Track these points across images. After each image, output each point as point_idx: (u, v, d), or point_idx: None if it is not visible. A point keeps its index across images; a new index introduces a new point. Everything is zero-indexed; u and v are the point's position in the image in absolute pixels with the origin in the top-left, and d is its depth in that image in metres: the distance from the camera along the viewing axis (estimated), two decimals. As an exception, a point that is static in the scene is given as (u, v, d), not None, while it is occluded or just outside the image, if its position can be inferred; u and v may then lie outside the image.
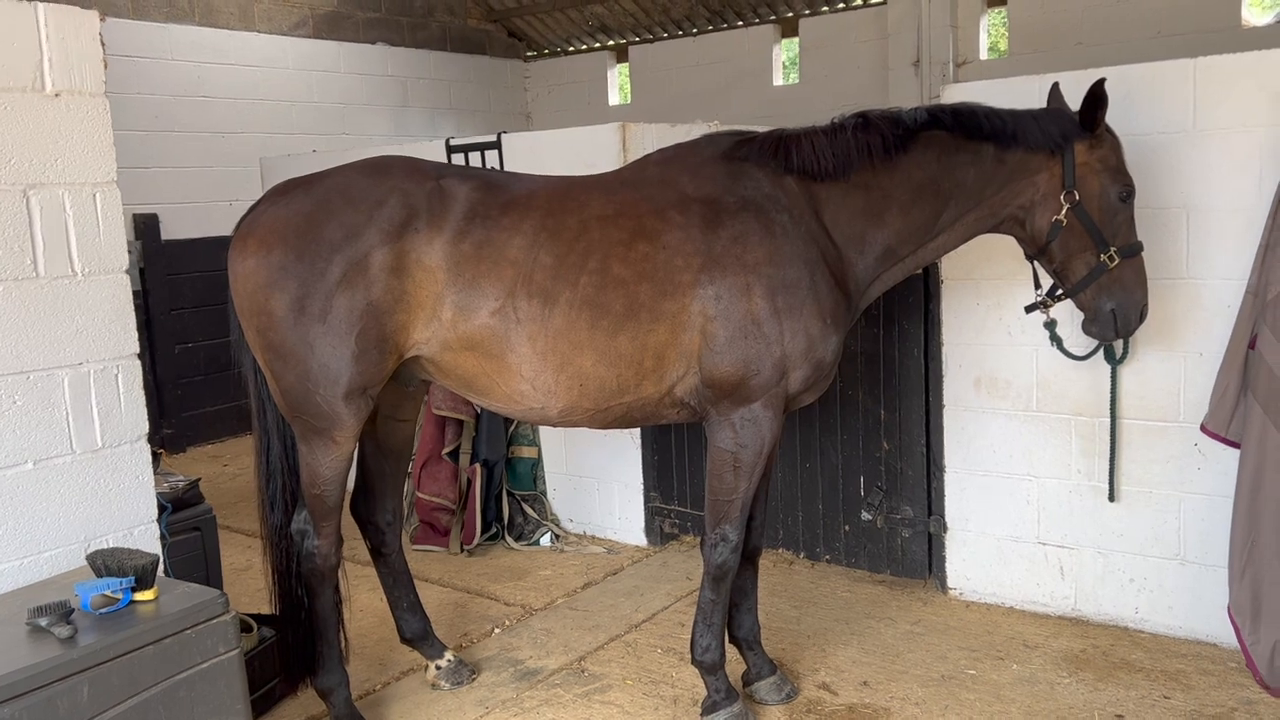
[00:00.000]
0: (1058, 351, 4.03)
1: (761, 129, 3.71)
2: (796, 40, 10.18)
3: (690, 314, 3.37)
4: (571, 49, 11.68)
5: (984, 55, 9.18)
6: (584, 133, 5.67)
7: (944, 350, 4.68)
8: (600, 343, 3.36)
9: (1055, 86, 3.70)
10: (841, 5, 9.92)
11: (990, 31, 9.27)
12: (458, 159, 6.09)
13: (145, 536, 3.50)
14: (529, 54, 11.78)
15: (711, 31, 10.70)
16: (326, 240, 3.34)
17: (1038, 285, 3.74)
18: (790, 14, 10.18)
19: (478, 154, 5.99)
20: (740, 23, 10.52)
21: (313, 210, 3.41)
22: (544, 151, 5.72)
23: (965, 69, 9.00)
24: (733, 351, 3.37)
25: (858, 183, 3.51)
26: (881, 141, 3.46)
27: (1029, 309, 3.79)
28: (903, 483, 4.88)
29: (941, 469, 4.76)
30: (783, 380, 3.43)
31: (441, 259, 3.37)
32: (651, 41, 11.12)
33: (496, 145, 5.93)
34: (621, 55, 11.32)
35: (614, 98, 11.42)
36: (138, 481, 3.48)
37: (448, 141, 6.15)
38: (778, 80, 10.41)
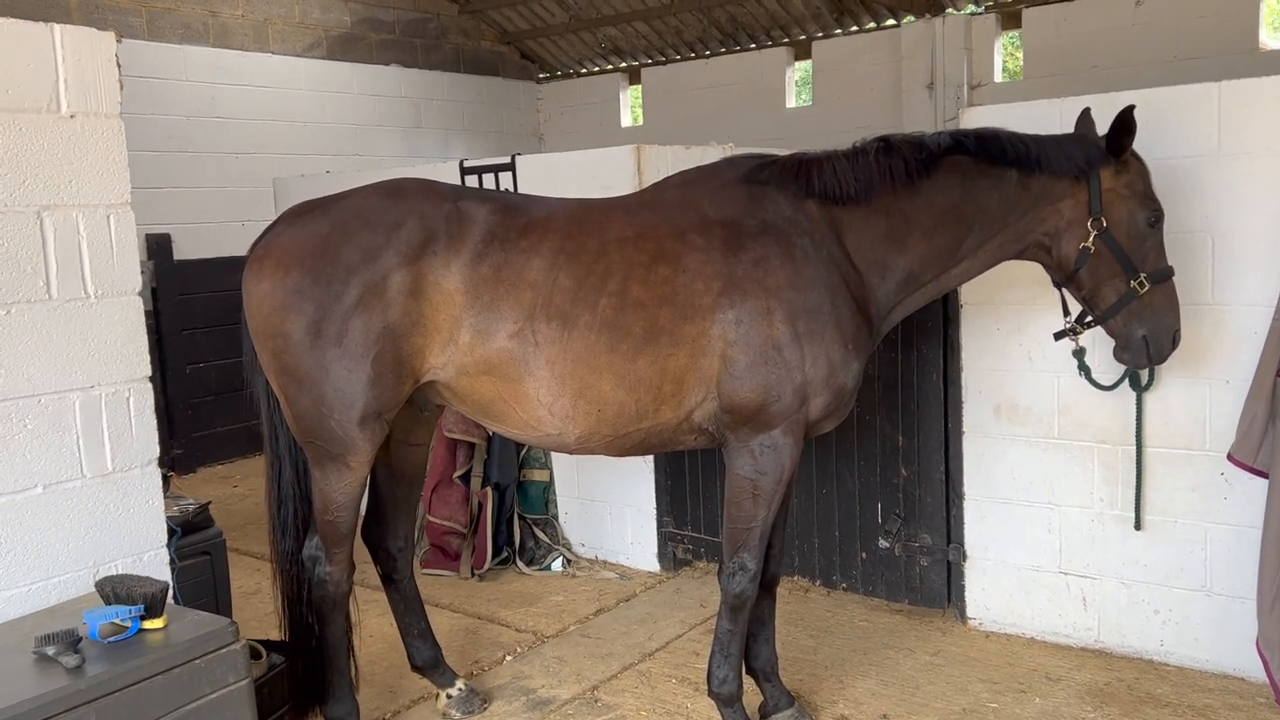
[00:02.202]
0: (1084, 380, 3.96)
1: (781, 152, 3.67)
2: (809, 62, 10.16)
3: (710, 338, 3.32)
4: (584, 71, 11.69)
5: (998, 78, 9.15)
6: (599, 155, 5.64)
7: (963, 376, 4.62)
8: (619, 367, 3.31)
9: (1086, 112, 3.65)
10: (854, 28, 9.91)
11: (1004, 54, 9.25)
12: (471, 181, 6.06)
13: (155, 562, 3.45)
14: (542, 76, 11.79)
15: (724, 53, 10.70)
16: (343, 263, 3.31)
17: (1066, 312, 3.69)
18: (803, 36, 10.17)
19: (491, 176, 5.97)
20: (753, 45, 10.51)
21: (329, 232, 3.37)
22: (558, 173, 5.69)
23: (979, 92, 8.97)
24: (753, 377, 3.32)
25: (880, 207, 3.47)
26: (904, 165, 3.42)
27: (1058, 336, 3.73)
28: (921, 510, 4.81)
29: (961, 496, 4.68)
30: (803, 406, 3.38)
31: (459, 282, 3.33)
32: (664, 63, 11.13)
33: (511, 167, 5.90)
34: (634, 77, 11.32)
35: (626, 119, 11.42)
36: (148, 506, 3.43)
37: (461, 163, 6.13)
38: (790, 102, 10.39)
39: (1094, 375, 4.00)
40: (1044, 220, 3.47)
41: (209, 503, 4.46)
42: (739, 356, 3.32)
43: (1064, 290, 3.65)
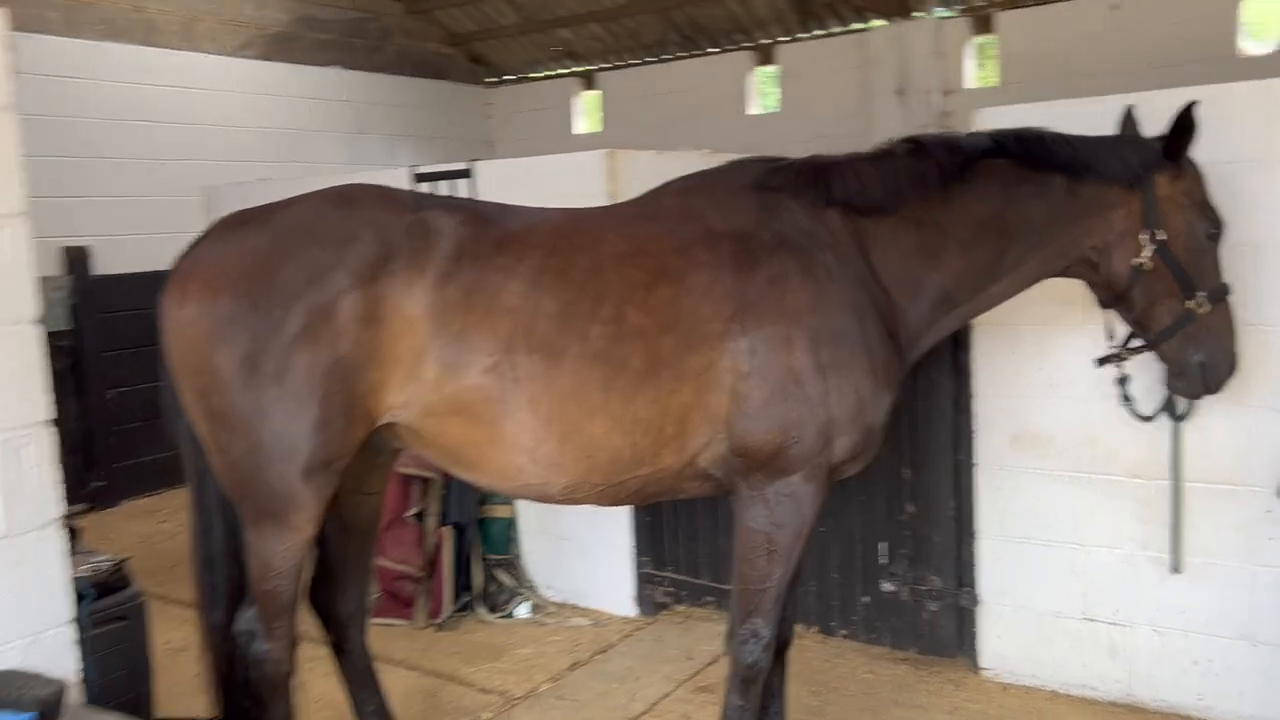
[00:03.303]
0: (1126, 411, 3.55)
1: (792, 155, 3.22)
2: (773, 67, 9.79)
3: (719, 370, 2.85)
4: (536, 75, 11.21)
5: (971, 84, 8.85)
6: (568, 160, 5.15)
7: (976, 403, 4.22)
8: (614, 406, 2.83)
9: (1129, 111, 3.26)
10: (820, 31, 9.56)
11: (978, 59, 8.95)
12: (424, 189, 5.53)
13: (58, 643, 2.89)
14: (491, 80, 11.28)
15: (684, 58, 10.30)
16: (285, 284, 2.78)
17: (1110, 336, 3.27)
18: (766, 40, 9.80)
19: (447, 184, 5.44)
20: (714, 49, 10.13)
21: (268, 248, 2.85)
22: (522, 181, 5.20)
23: (952, 98, 8.66)
24: (769, 415, 2.85)
25: (910, 218, 3.03)
26: (937, 170, 2.98)
27: (1101, 362, 3.32)
28: (929, 550, 4.39)
29: (973, 535, 4.28)
30: (827, 448, 2.92)
31: (423, 306, 2.82)
32: (620, 67, 10.70)
33: (469, 174, 5.38)
34: (589, 82, 10.88)
35: (581, 126, 10.95)
36: (49, 575, 2.87)
37: (413, 170, 5.60)
38: (754, 109, 10.02)
39: (1137, 406, 3.59)
40: (1092, 232, 3.06)
41: (126, 559, 3.87)
42: (753, 391, 2.85)
43: (1109, 311, 3.23)
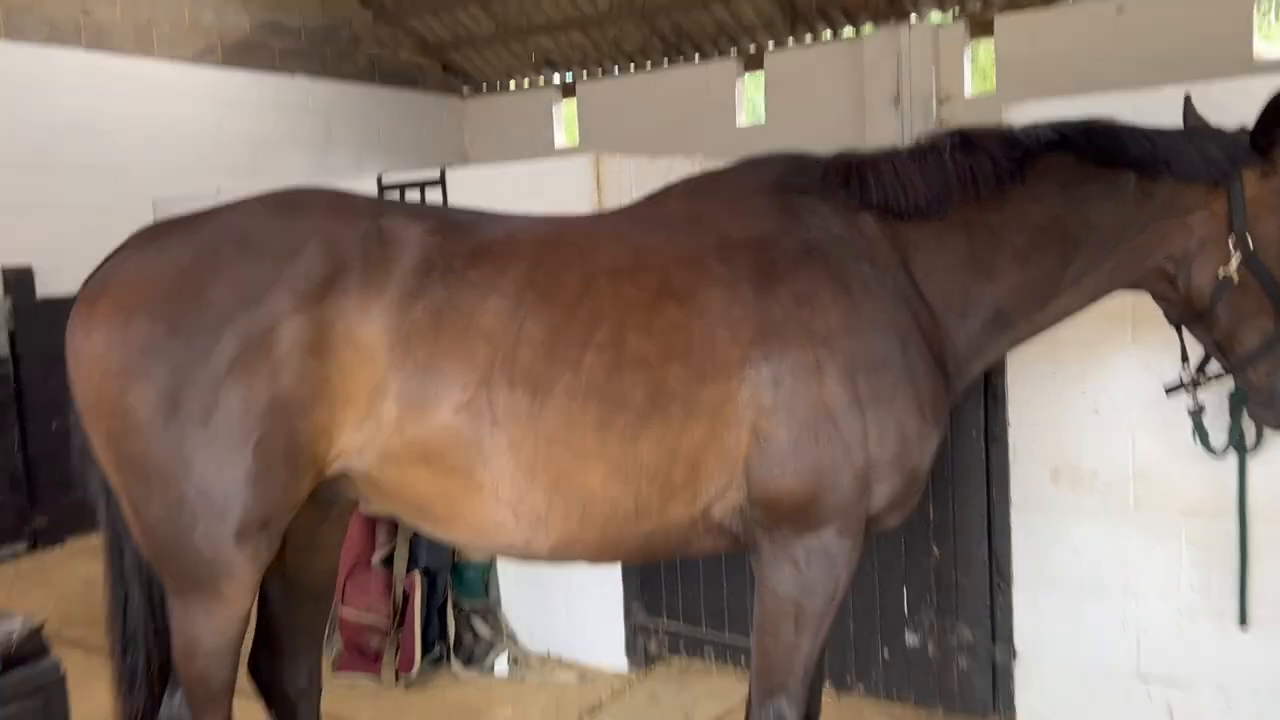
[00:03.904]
0: (1201, 448, 3.10)
1: (820, 150, 2.76)
2: (762, 75, 9.39)
3: (738, 405, 2.39)
4: (514, 85, 10.76)
5: (969, 91, 8.47)
6: (548, 167, 4.70)
7: (1011, 433, 3.78)
8: (613, 449, 2.36)
9: (1188, 100, 2.82)
10: (809, 39, 9.16)
11: (975, 65, 8.58)
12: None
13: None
14: (467, 90, 10.82)
15: (668, 66, 9.89)
16: (213, 306, 2.31)
17: (1185, 359, 2.83)
18: (754, 47, 9.39)
19: (416, 193, 4.96)
20: (699, 57, 9.72)
21: (194, 262, 2.37)
22: (498, 190, 4.74)
23: (948, 106, 8.28)
24: (798, 458, 2.39)
25: (958, 223, 2.59)
26: (990, 167, 2.54)
27: (1172, 390, 2.87)
28: (959, 598, 3.94)
29: (1008, 581, 3.83)
30: (865, 496, 2.46)
31: (382, 332, 2.35)
32: (601, 77, 10.26)
33: (440, 183, 4.91)
34: (568, 92, 10.44)
35: (560, 138, 10.51)
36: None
37: (379, 178, 5.12)
38: (742, 119, 9.61)
39: (1211, 440, 3.14)
40: (1169, 238, 2.62)
41: (42, 624, 3.35)
42: (778, 430, 2.39)
43: (1185, 331, 2.79)
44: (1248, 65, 7.39)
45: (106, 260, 2.52)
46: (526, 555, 2.52)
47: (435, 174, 4.95)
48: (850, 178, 2.58)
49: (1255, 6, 7.48)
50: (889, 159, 2.61)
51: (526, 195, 4.57)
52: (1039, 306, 2.68)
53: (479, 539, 2.48)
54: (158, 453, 2.31)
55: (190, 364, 2.29)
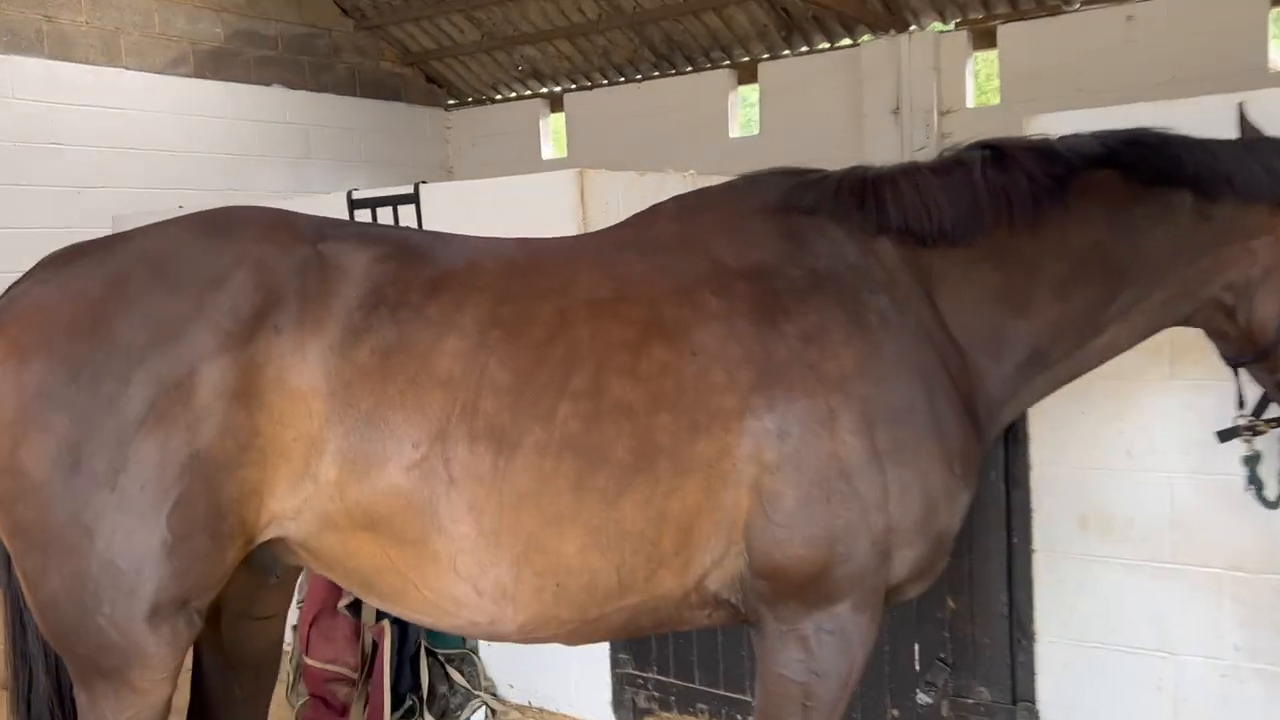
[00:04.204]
0: (1255, 499, 2.77)
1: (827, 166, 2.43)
2: (756, 86, 9.09)
3: (737, 460, 2.07)
4: (499, 97, 10.45)
5: (970, 103, 8.17)
6: (529, 183, 4.37)
7: (1034, 475, 3.47)
8: (592, 514, 2.03)
9: (1240, 109, 2.51)
10: (805, 49, 8.86)
11: (977, 77, 8.29)
12: (362, 218, 4.72)
13: None
14: (451, 102, 10.50)
15: (658, 77, 9.58)
16: (122, 345, 1.98)
17: (1241, 403, 2.50)
18: (747, 58, 9.09)
19: (387, 210, 4.63)
20: (690, 68, 9.42)
21: (102, 294, 2.04)
22: (476, 207, 4.42)
23: (949, 118, 7.99)
24: (808, 522, 2.06)
25: (990, 250, 2.27)
26: (1027, 185, 2.22)
27: (1225, 436, 2.55)
28: (976, 655, 3.60)
29: (1031, 637, 3.52)
30: (884, 565, 2.14)
31: (320, 377, 2.01)
32: (590, 88, 9.96)
33: (414, 199, 4.58)
34: (556, 104, 10.12)
35: (548, 151, 10.20)
36: None
37: (349, 195, 4.79)
38: (735, 132, 9.30)
39: (1266, 492, 2.81)
40: (1229, 266, 2.30)
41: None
42: (784, 489, 2.06)
43: (1241, 370, 2.47)
44: (1263, 76, 7.11)
45: (6, 291, 2.17)
46: (491, 635, 2.18)
47: (409, 189, 4.62)
48: (865, 197, 2.26)
49: (1270, 16, 7.20)
50: (910, 176, 2.28)
51: (506, 212, 4.26)
52: (1080, 345, 2.35)
53: (435, 617, 2.13)
54: (56, 518, 1.97)
55: (94, 414, 1.95)
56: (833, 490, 2.07)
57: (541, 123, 10.25)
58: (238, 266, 2.04)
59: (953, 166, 2.28)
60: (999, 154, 2.27)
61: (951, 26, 8.27)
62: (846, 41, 8.74)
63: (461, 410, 2.02)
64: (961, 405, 2.20)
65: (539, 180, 4.34)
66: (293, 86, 9.06)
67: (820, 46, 8.84)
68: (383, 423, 2.00)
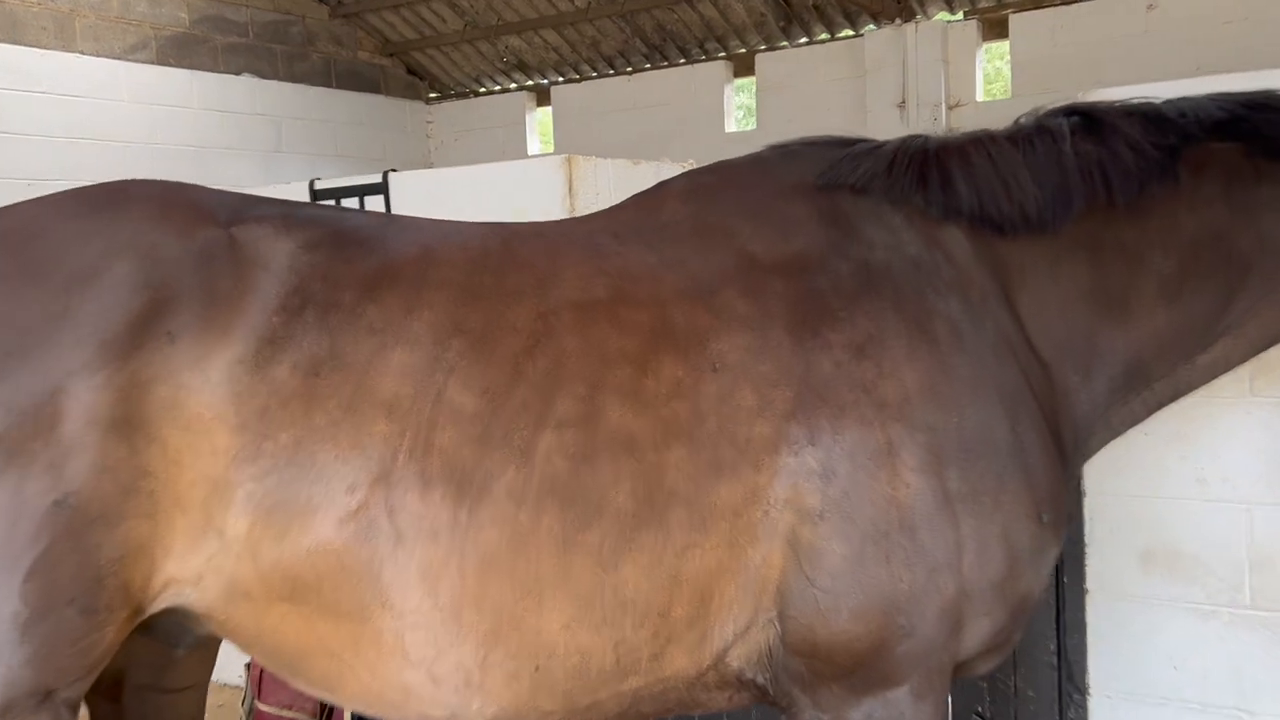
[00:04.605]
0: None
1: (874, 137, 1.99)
2: (753, 79, 8.65)
3: (770, 507, 1.62)
4: (483, 89, 9.99)
5: (980, 96, 7.75)
6: (511, 171, 3.94)
7: (1088, 504, 3.08)
8: (582, 579, 1.58)
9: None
10: (804, 40, 8.42)
11: (987, 69, 7.87)
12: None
13: None
14: (433, 95, 10.03)
15: (649, 69, 9.13)
16: (-32, 358, 1.49)
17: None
18: (744, 49, 8.65)
19: (354, 201, 4.17)
20: (683, 60, 8.98)
21: (-51, 290, 1.55)
22: (452, 198, 3.97)
23: (958, 112, 7.55)
24: (859, 587, 1.62)
25: (1082, 240, 1.83)
26: (1132, 160, 1.78)
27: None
28: (1019, 710, 3.19)
29: (1084, 691, 3.10)
30: (954, 639, 1.68)
31: (227, 400, 1.55)
32: (578, 80, 9.52)
33: (382, 189, 4.12)
34: (543, 97, 9.68)
35: (534, 146, 9.74)
36: None
37: (311, 184, 4.32)
38: (731, 126, 8.87)
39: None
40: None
41: None
42: (829, 545, 1.62)
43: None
44: (1293, 68, 6.69)
45: None
46: (454, 731, 1.70)
47: (377, 178, 4.16)
48: (929, 173, 1.81)
49: (1302, 3, 6.79)
50: (983, 147, 1.84)
51: (486, 204, 3.81)
52: (1186, 358, 1.91)
53: (378, 709, 1.66)
54: (-123, 585, 1.50)
55: (-71, 449, 1.48)
56: (892, 546, 1.62)
57: (527, 116, 9.81)
58: (119, 255, 1.57)
59: (1035, 136, 1.84)
60: (1093, 120, 1.83)
61: (960, 16, 7.86)
62: (848, 32, 8.32)
63: (411, 445, 1.56)
64: (1050, 435, 1.75)
65: (522, 168, 3.90)
66: (264, 76, 8.57)
67: (820, 37, 8.41)
68: (308, 461, 1.54)
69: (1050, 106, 1.90)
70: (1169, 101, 1.87)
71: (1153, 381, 1.90)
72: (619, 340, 1.62)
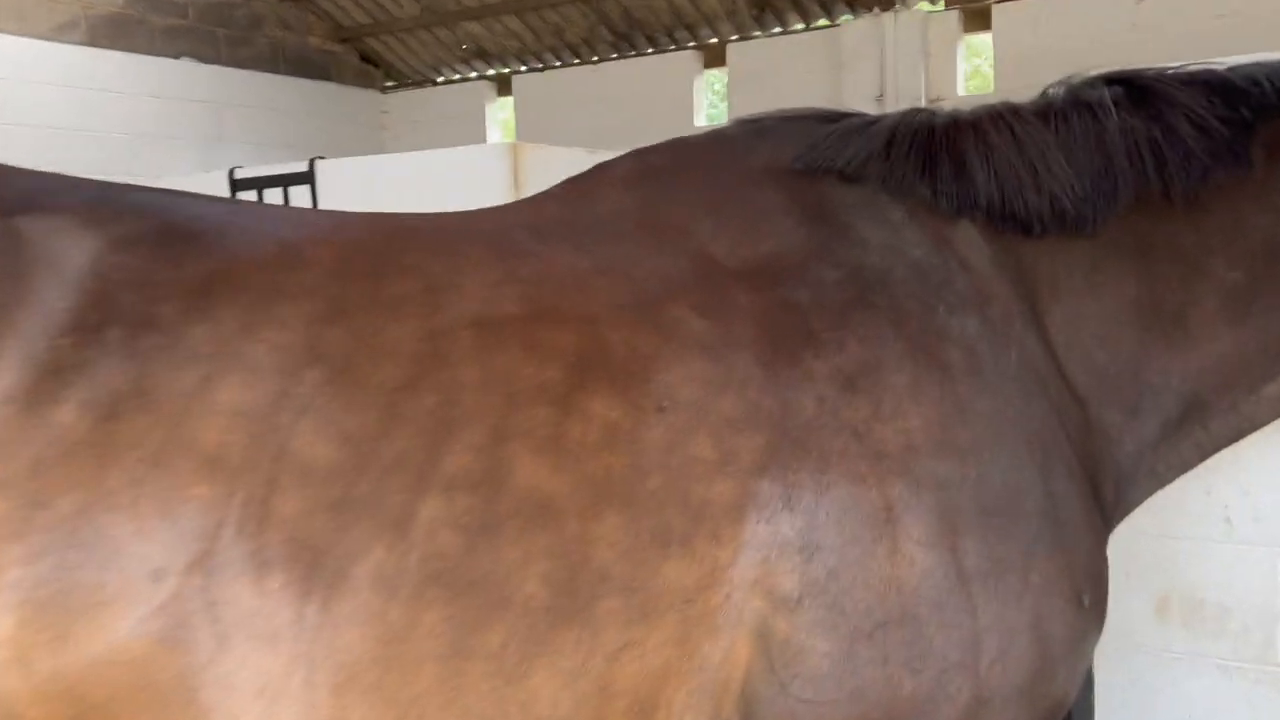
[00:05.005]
0: None
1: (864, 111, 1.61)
2: (724, 70, 8.31)
3: (732, 590, 1.25)
4: (441, 79, 9.56)
5: (961, 90, 7.43)
6: (452, 159, 3.53)
7: (1097, 544, 2.64)
8: (478, 695, 1.18)
9: None
10: (778, 30, 8.07)
11: (967, 62, 7.55)
12: (246, 200, 3.82)
13: None
14: (388, 84, 9.59)
15: (616, 59, 8.75)
16: None
17: None
18: (715, 39, 8.29)
19: (277, 192, 3.75)
20: (652, 49, 8.60)
21: None
22: (385, 188, 3.56)
23: (939, 106, 7.19)
24: (848, 694, 1.28)
25: (1128, 242, 1.46)
26: (1196, 138, 1.40)
27: None
28: (1017, 773, 2.76)
29: (1091, 753, 2.70)
30: None
31: (-11, 451, 1.12)
32: (541, 69, 9.11)
33: (308, 178, 3.69)
34: (504, 87, 9.27)
35: (494, 137, 9.35)
36: None
37: (231, 173, 3.90)
38: (701, 120, 8.51)
39: None
40: None
41: None
42: (811, 639, 1.26)
43: None
44: (1289, 62, 6.41)
45: None
46: None
47: (303, 166, 3.74)
48: (938, 156, 1.43)
49: (1298, -4, 6.50)
50: (1004, 124, 1.48)
51: (423, 196, 3.40)
52: (1252, 390, 1.54)
53: None
54: None
55: None
56: (891, 641, 1.25)
57: (487, 107, 9.40)
58: None
59: (1071, 110, 1.47)
60: (1142, 90, 1.46)
61: (941, 6, 7.53)
62: (824, 22, 7.98)
63: (243, 514, 1.16)
64: (1089, 491, 1.38)
65: (464, 156, 3.50)
66: (205, 60, 8.12)
67: (795, 27, 8.06)
68: (98, 537, 1.14)
69: (1086, 74, 1.54)
70: (1237, 68, 1.51)
71: (1210, 420, 1.53)
72: (534, 370, 1.23)
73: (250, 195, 3.85)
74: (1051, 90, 1.58)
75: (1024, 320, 1.41)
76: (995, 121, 1.49)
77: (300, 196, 3.80)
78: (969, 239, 1.42)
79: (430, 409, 1.21)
